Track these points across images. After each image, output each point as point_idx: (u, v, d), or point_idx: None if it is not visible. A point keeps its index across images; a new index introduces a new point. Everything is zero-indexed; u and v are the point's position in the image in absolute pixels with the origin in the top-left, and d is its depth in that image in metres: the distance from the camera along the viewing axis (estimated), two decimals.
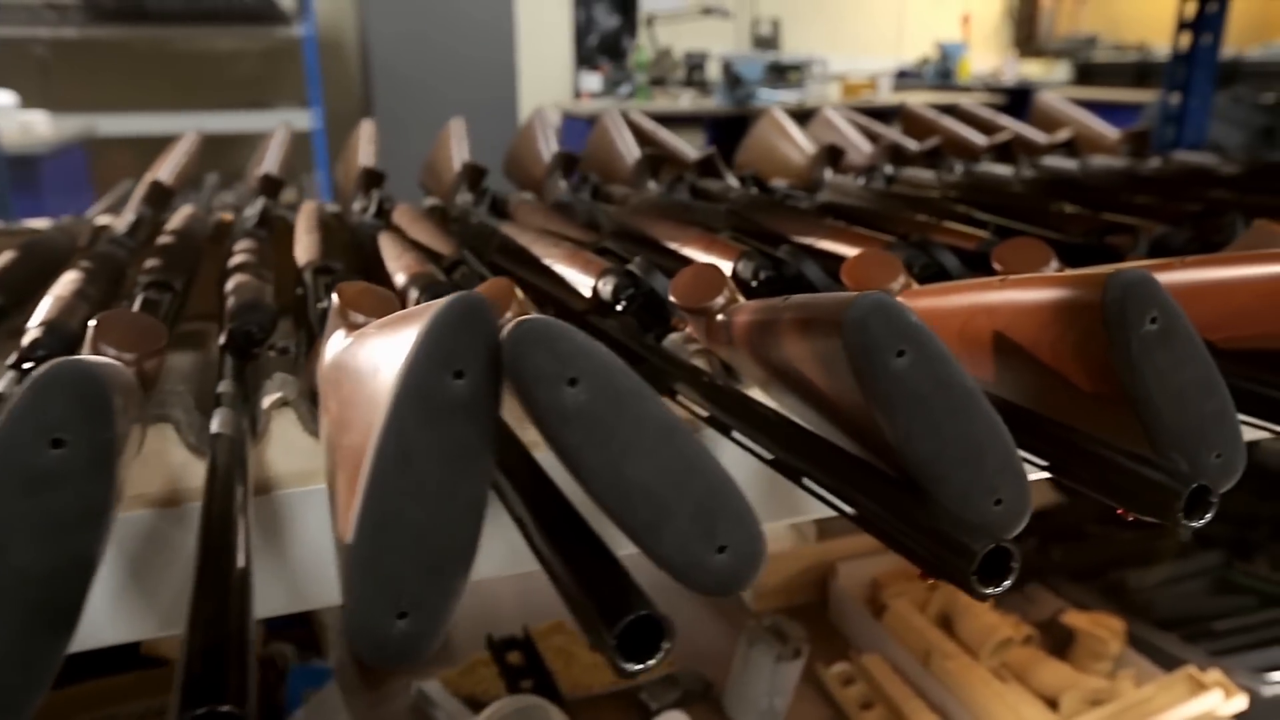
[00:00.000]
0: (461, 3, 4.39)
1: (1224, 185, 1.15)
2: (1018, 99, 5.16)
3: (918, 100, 4.67)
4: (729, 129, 4.39)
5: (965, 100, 1.65)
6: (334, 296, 0.54)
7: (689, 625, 1.30)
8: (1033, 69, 5.89)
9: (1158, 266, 0.59)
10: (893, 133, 1.54)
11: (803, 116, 1.65)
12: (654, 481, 0.33)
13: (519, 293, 0.57)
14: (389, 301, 0.56)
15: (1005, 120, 1.63)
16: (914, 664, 1.23)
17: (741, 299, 0.60)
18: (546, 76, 4.99)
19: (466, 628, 1.25)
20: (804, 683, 1.21)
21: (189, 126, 1.40)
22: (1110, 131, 1.54)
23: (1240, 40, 5.17)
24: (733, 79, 4.42)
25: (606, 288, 0.73)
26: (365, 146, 1.30)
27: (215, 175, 1.41)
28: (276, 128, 1.39)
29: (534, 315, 0.34)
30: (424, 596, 0.33)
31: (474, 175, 1.22)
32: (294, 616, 1.16)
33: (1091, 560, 1.39)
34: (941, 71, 5.49)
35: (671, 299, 0.63)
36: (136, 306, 0.64)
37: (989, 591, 0.37)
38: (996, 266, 0.71)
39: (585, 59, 5.13)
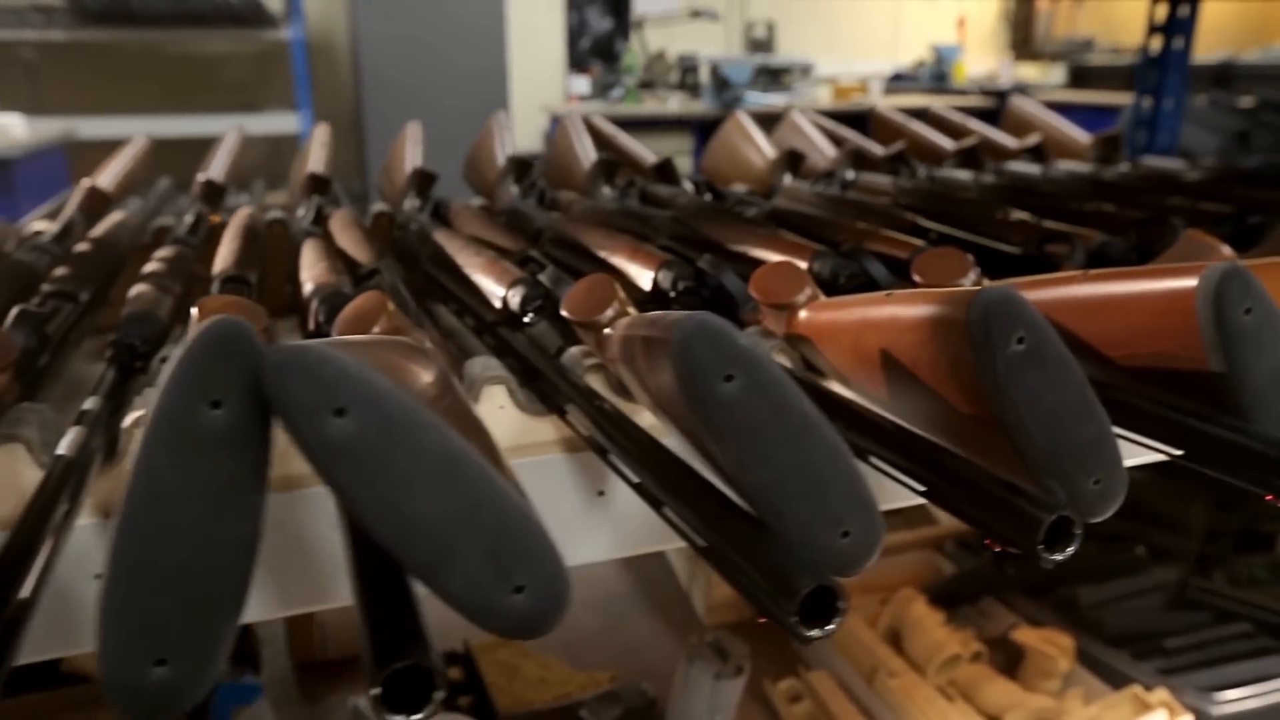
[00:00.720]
0: (453, 7, 4.36)
1: (1184, 192, 1.12)
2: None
3: (909, 104, 4.66)
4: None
5: (956, 103, 1.63)
6: (194, 311, 0.52)
7: (635, 639, 1.28)
8: (1029, 72, 5.87)
9: (1058, 280, 0.57)
10: (858, 137, 1.52)
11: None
12: (437, 518, 0.31)
13: (390, 306, 0.53)
14: (257, 315, 0.53)
15: (975, 125, 1.61)
16: (860, 681, 1.20)
17: (633, 311, 0.58)
18: (538, 79, 4.97)
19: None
20: (752, 699, 1.19)
21: (172, 129, 1.39)
22: (1081, 136, 1.52)
23: (1239, 43, 5.15)
24: (720, 82, 4.39)
25: (515, 298, 0.71)
26: (317, 151, 1.28)
27: (167, 181, 1.39)
28: (228, 131, 1.37)
29: (300, 341, 0.31)
30: (185, 642, 0.30)
31: (422, 181, 1.20)
32: None
33: (1046, 575, 1.36)
34: (936, 75, 5.47)
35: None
36: (10, 318, 0.61)
37: (812, 634, 0.35)
38: (916, 278, 0.69)
39: (578, 62, 5.11)
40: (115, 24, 3.85)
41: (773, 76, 5.03)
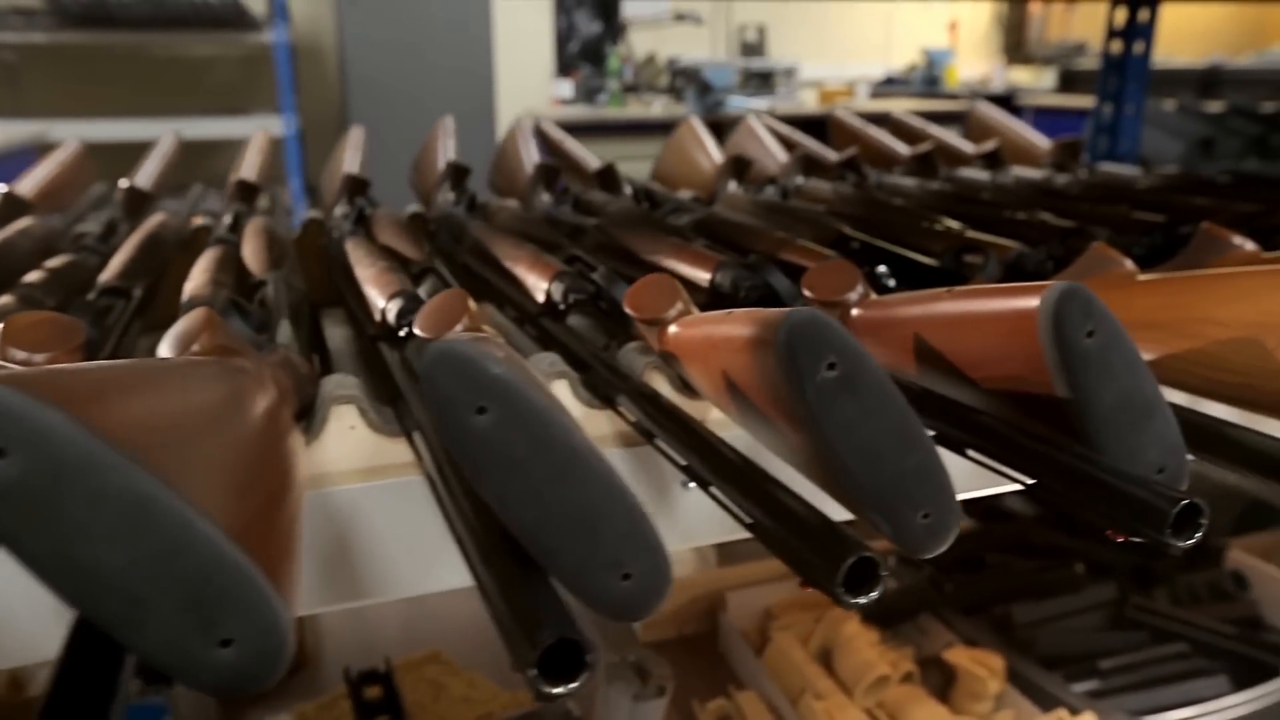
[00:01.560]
0: (439, 11, 4.35)
1: (1128, 200, 1.10)
2: (1000, 105, 5.11)
3: (898, 107, 4.62)
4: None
5: (946, 108, 1.61)
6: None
7: None
8: (1022, 76, 5.84)
9: (926, 298, 0.54)
10: (812, 142, 1.50)
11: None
12: (122, 568, 0.28)
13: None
14: (70, 332, 0.51)
15: (934, 130, 1.58)
16: (787, 703, 1.18)
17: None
18: (526, 83, 4.94)
19: (342, 656, 1.20)
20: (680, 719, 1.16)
21: (150, 132, 1.37)
22: (1042, 142, 1.50)
23: (1234, 47, 5.12)
24: (702, 86, 4.37)
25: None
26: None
27: (101, 186, 1.36)
28: (162, 135, 1.34)
29: None
30: None
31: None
32: None
33: (984, 592, 1.34)
34: (928, 78, 5.44)
35: (805, 292, 0.62)
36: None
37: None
38: (805, 292, 0.66)
39: (567, 65, 5.08)
40: (95, 26, 3.83)
41: (764, 80, 5.01)
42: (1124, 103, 1.58)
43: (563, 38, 5.13)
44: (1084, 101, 3.93)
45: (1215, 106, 2.13)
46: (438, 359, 0.32)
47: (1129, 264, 0.67)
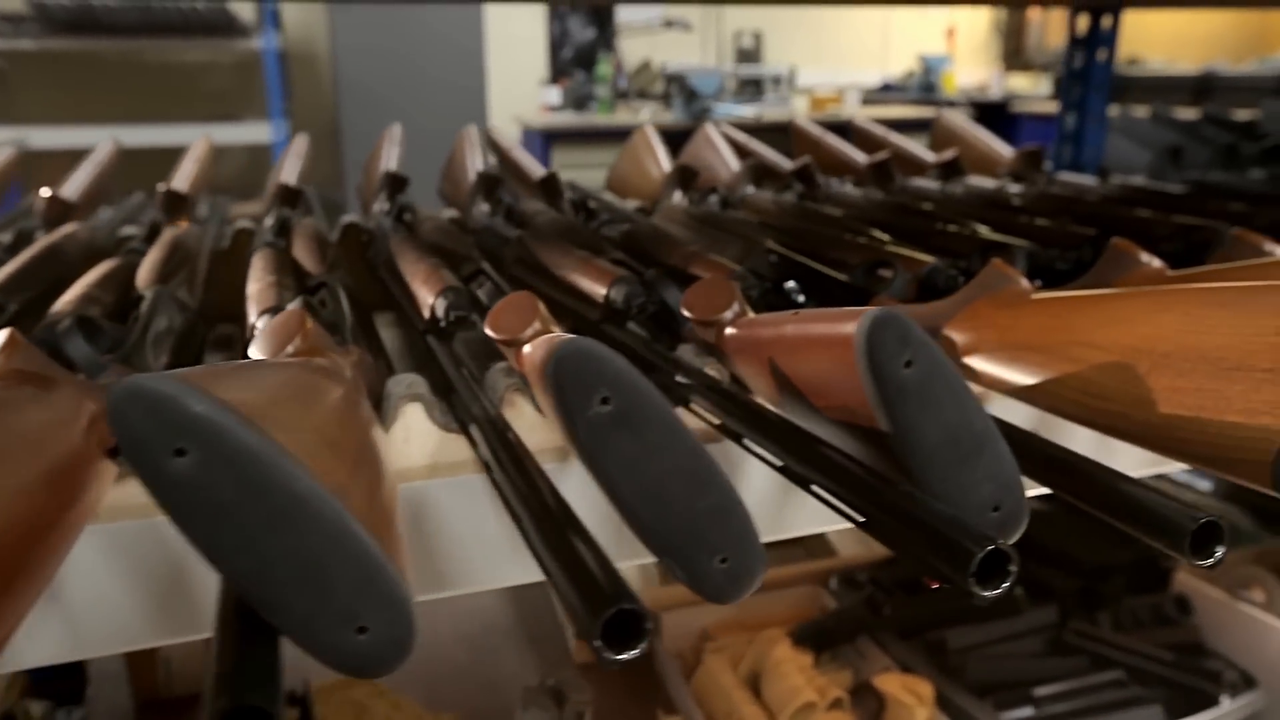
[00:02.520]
0: (431, 19, 4.33)
1: (1073, 213, 1.07)
2: (995, 112, 5.08)
3: (891, 115, 4.60)
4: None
5: (934, 113, 1.58)
6: None
7: (501, 676, 1.22)
8: (1020, 82, 5.81)
9: (778, 320, 0.52)
10: (769, 151, 1.47)
11: (759, 131, 1.59)
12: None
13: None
14: None
15: (895, 138, 1.56)
16: None
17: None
18: (519, 90, 4.92)
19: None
20: None
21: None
22: (1006, 151, 1.47)
23: (1237, 55, 5.09)
24: (689, 92, 4.34)
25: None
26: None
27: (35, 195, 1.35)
28: (99, 144, 1.32)
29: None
30: None
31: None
32: (59, 667, 1.08)
33: (922, 615, 1.30)
34: (925, 85, 5.40)
35: (683, 311, 0.62)
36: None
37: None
38: (684, 311, 0.64)
39: (561, 72, 5.06)
40: (82, 33, 3.82)
41: (758, 87, 4.99)
42: (1088, 111, 1.55)
43: (556, 44, 5.11)
44: None
45: (1192, 114, 2.10)
46: (127, 399, 0.29)
47: (1024, 282, 0.64)
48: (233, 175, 4.44)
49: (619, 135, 4.46)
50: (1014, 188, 1.26)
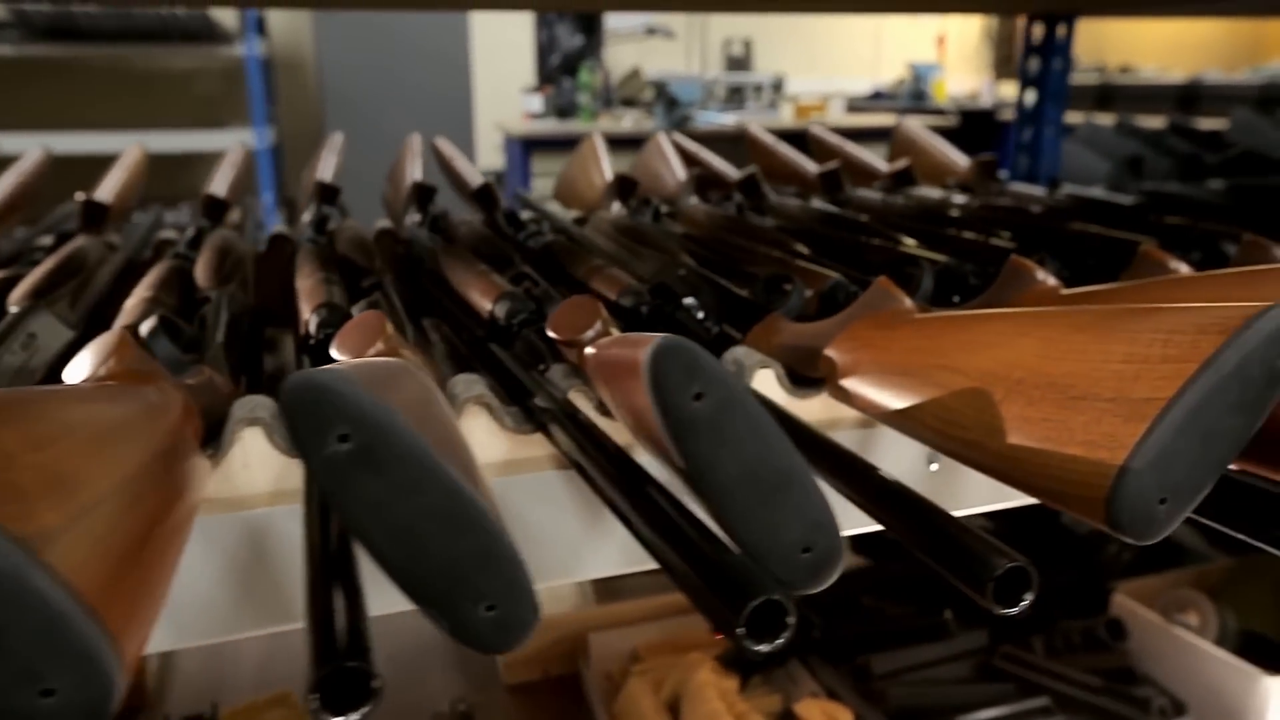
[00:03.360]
0: (417, 26, 4.32)
1: (1008, 224, 1.04)
2: (983, 120, 5.04)
3: (876, 123, 4.58)
4: None
5: (930, 123, 1.55)
6: None
7: (427, 698, 1.18)
8: (1012, 90, 5.77)
9: (621, 342, 0.49)
10: (718, 161, 1.45)
11: (740, 139, 1.57)
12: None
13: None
14: None
15: (850, 148, 1.53)
16: None
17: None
18: (506, 97, 4.90)
19: (189, 697, 1.14)
20: None
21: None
22: (962, 161, 1.44)
23: (1231, 63, 5.05)
24: (669, 100, 4.30)
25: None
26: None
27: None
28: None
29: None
30: None
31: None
32: None
33: (851, 638, 1.26)
34: (915, 93, 5.37)
35: (548, 331, 0.60)
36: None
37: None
38: (550, 333, 0.61)
39: (548, 79, 5.04)
40: (62, 39, 3.80)
41: (743, 95, 4.97)
42: (1044, 121, 1.52)
43: (544, 51, 5.09)
44: (1071, 116, 3.88)
45: (1158, 123, 2.07)
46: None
47: (907, 301, 0.61)
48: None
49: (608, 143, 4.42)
50: (959, 198, 1.23)
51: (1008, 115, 4.92)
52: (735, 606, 0.34)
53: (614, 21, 5.13)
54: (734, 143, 1.51)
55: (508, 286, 0.74)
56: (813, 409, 0.63)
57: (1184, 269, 0.70)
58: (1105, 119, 3.53)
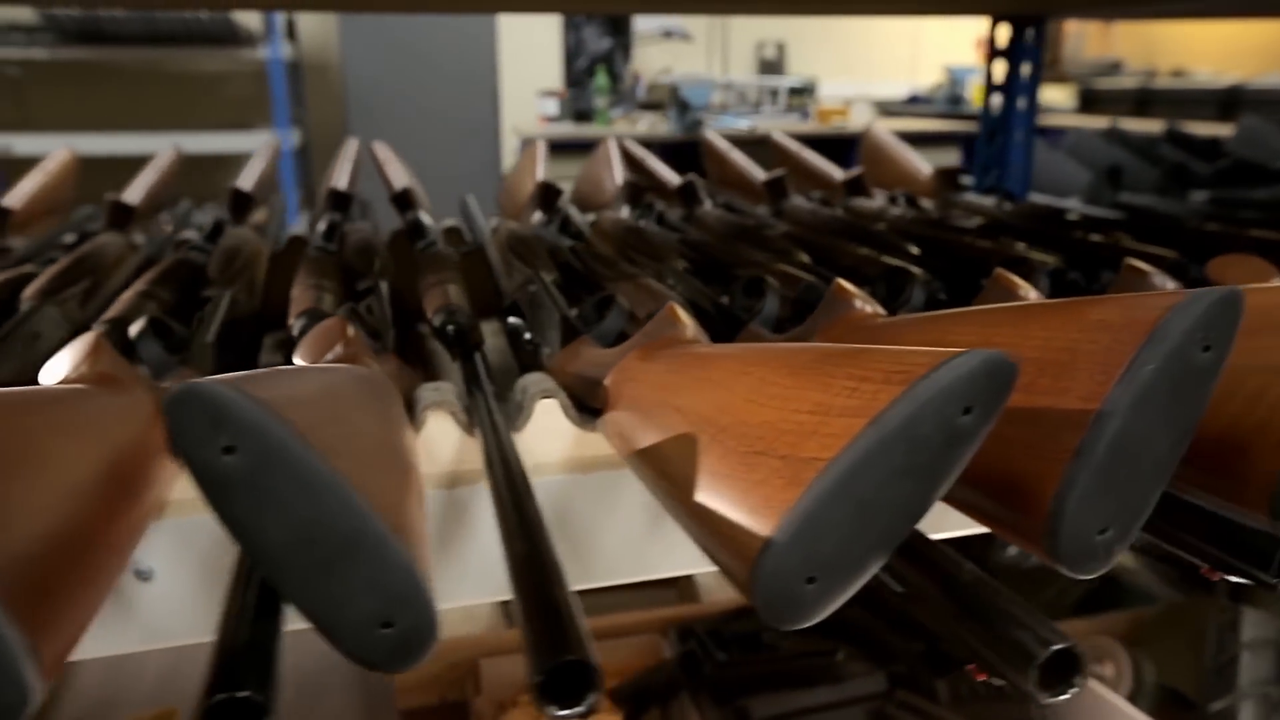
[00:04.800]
0: (443, 29, 4.30)
1: (922, 239, 0.99)
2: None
3: (905, 127, 4.50)
4: (680, 155, 4.21)
5: (964, 129, 1.50)
6: None
7: None
8: (1056, 95, 5.65)
9: None
10: (661, 168, 1.40)
11: (753, 144, 1.56)
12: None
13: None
14: None
15: (808, 155, 1.49)
16: None
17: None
18: (533, 100, 4.87)
19: (78, 710, 1.11)
20: None
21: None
22: (925, 169, 1.39)
23: (1248, 68, 4.89)
24: (680, 104, 4.24)
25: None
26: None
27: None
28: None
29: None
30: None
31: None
32: None
33: (741, 677, 1.18)
34: (951, 97, 5.27)
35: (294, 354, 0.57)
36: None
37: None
38: (294, 356, 0.57)
39: (575, 82, 5.00)
40: (90, 42, 3.84)
41: (775, 98, 4.91)
42: (1011, 129, 1.46)
43: (570, 54, 5.05)
44: (1103, 122, 3.78)
45: (1207, 130, 1.96)
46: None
47: (689, 330, 0.56)
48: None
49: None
50: (895, 211, 1.18)
51: (1045, 120, 4.80)
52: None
53: (643, 24, 5.10)
54: (757, 146, 1.47)
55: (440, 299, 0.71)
56: (600, 442, 0.58)
57: (1033, 296, 0.64)
58: (1135, 124, 3.44)
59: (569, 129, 4.44)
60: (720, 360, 0.47)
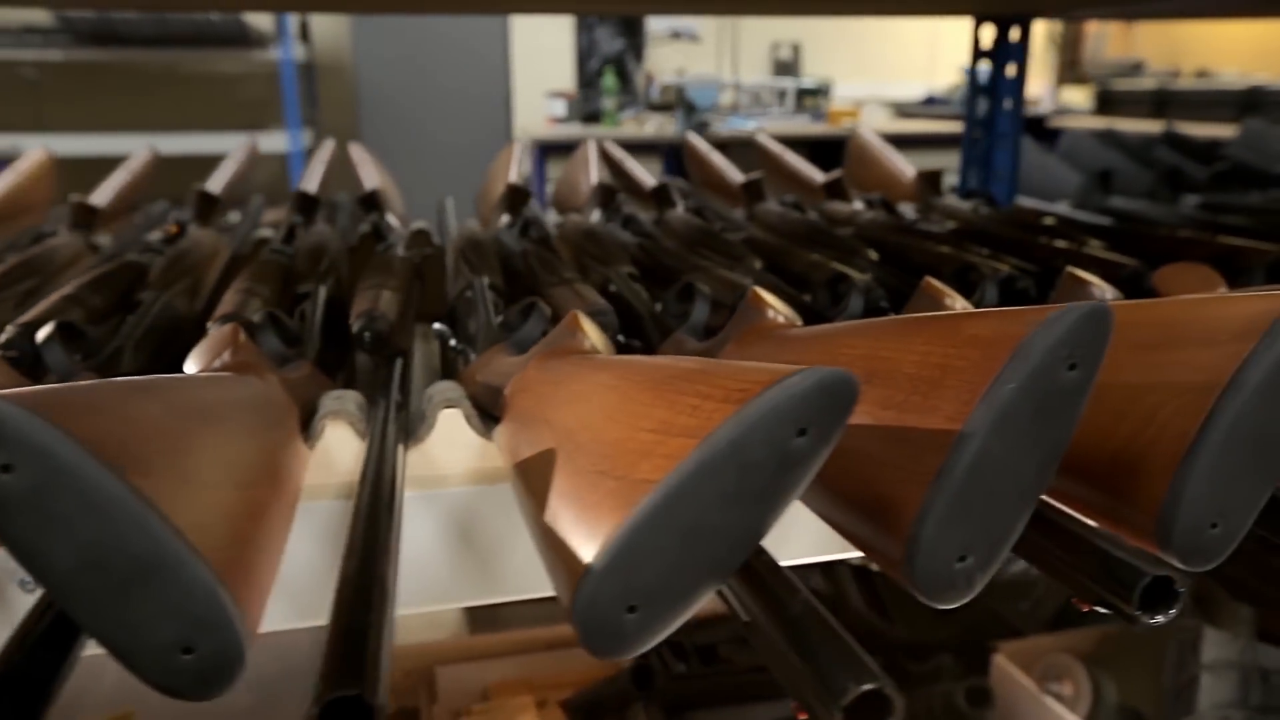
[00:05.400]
0: (455, 31, 4.31)
1: (878, 243, 0.98)
2: (1034, 126, 4.88)
3: (917, 129, 4.46)
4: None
5: None
6: None
7: None
8: (1075, 96, 5.61)
9: None
10: (638, 171, 1.39)
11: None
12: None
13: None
14: None
15: (790, 158, 1.47)
16: None
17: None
18: (542, 101, 4.86)
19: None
20: None
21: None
22: (909, 173, 1.37)
23: (1277, 69, 4.84)
24: (687, 105, 4.22)
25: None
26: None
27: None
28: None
29: None
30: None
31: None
32: None
33: (692, 692, 1.14)
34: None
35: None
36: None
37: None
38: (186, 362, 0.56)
39: (587, 83, 4.99)
40: (104, 44, 3.86)
41: (795, 98, 4.89)
42: (997, 131, 1.44)
43: (583, 55, 5.04)
44: (1125, 124, 3.74)
45: (1228, 132, 1.93)
46: None
47: (589, 340, 0.54)
48: (262, 184, 4.44)
49: (627, 149, 4.34)
50: (867, 215, 1.16)
51: (1061, 121, 4.76)
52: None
53: (656, 25, 5.09)
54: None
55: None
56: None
57: (959, 305, 0.62)
58: (1152, 127, 3.40)
59: (576, 130, 4.43)
60: (596, 373, 0.46)
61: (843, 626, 0.36)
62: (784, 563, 0.41)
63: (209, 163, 1.28)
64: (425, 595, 0.57)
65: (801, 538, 0.60)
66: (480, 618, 1.29)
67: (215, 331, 0.55)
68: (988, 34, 1.42)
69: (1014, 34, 1.39)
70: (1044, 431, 0.36)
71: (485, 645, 1.22)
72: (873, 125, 4.70)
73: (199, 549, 0.32)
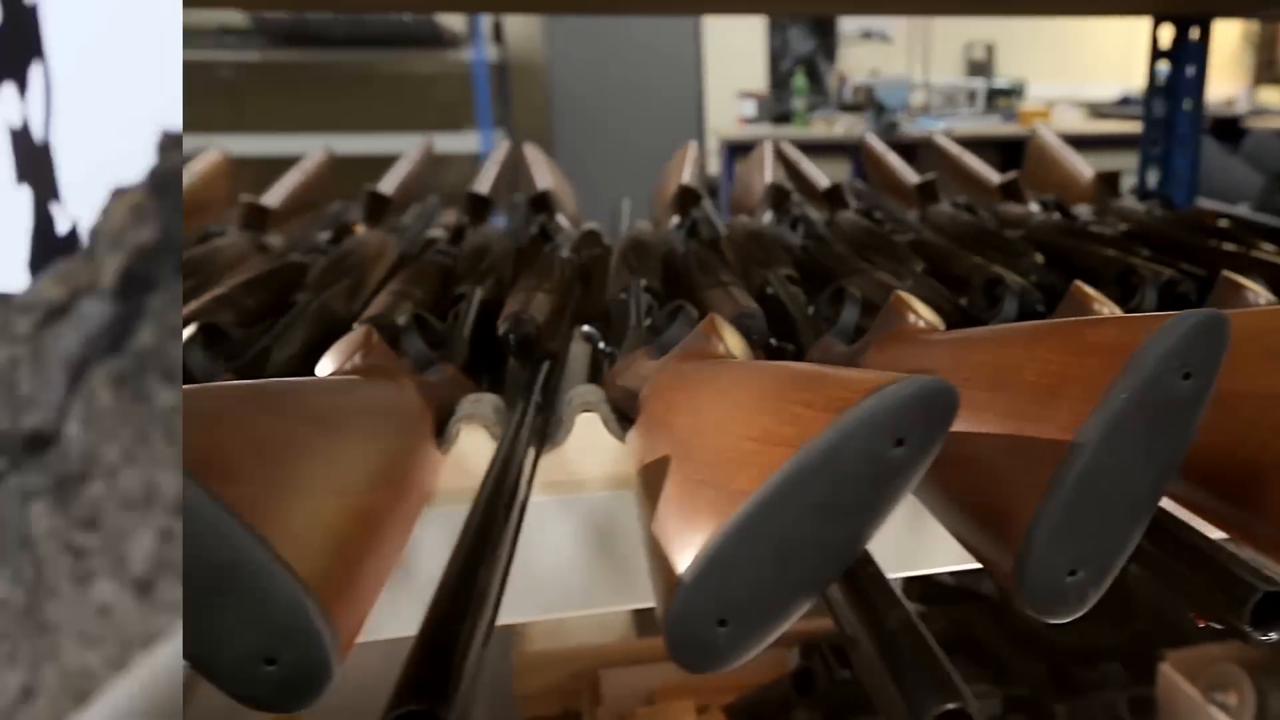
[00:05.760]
0: (647, 32, 4.31)
1: (1049, 246, 0.93)
2: (1228, 127, 4.62)
3: (1124, 129, 4.28)
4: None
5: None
6: None
7: None
8: (1271, 96, 5.34)
9: None
10: (813, 171, 1.37)
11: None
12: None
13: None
14: None
15: (969, 159, 1.43)
16: None
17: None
18: (736, 103, 4.84)
19: None
20: None
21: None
22: (1086, 175, 1.32)
23: None
24: (877, 106, 4.14)
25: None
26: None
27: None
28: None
29: None
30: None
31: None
32: None
33: (853, 697, 1.09)
34: None
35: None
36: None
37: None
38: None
39: (780, 84, 4.95)
40: (299, 44, 3.97)
41: (987, 99, 4.78)
42: (1175, 132, 1.37)
43: (776, 56, 5.00)
44: None
45: None
46: None
47: (724, 344, 0.52)
48: (456, 184, 4.51)
49: (817, 149, 4.32)
50: (1040, 217, 1.11)
51: (1254, 122, 4.52)
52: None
53: (848, 25, 5.03)
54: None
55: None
56: None
57: (1108, 310, 0.58)
58: None
59: (766, 130, 4.41)
60: (715, 379, 0.44)
61: (939, 642, 0.34)
62: (929, 571, 0.42)
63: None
64: (559, 601, 0.55)
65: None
66: (648, 621, 1.27)
67: (350, 334, 0.54)
68: (1166, 34, 1.36)
69: (1193, 34, 1.33)
70: (1158, 443, 0.34)
71: (652, 649, 1.20)
72: (1065, 126, 4.55)
73: (285, 557, 0.31)
